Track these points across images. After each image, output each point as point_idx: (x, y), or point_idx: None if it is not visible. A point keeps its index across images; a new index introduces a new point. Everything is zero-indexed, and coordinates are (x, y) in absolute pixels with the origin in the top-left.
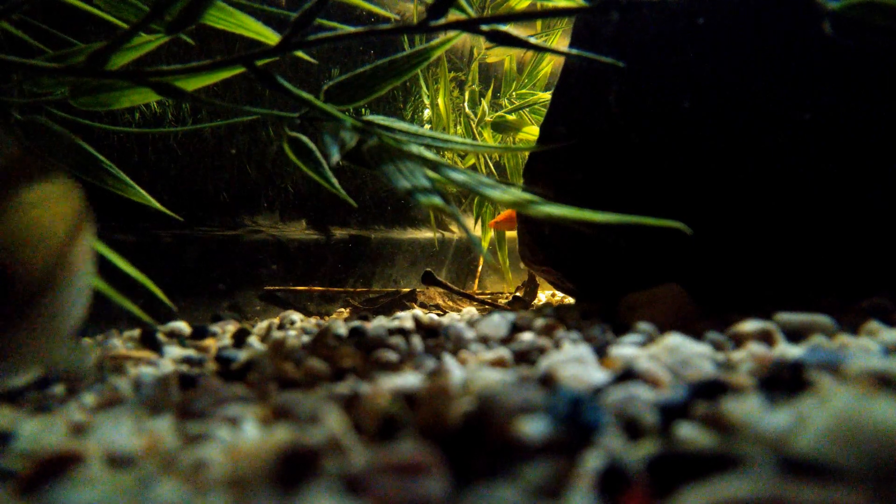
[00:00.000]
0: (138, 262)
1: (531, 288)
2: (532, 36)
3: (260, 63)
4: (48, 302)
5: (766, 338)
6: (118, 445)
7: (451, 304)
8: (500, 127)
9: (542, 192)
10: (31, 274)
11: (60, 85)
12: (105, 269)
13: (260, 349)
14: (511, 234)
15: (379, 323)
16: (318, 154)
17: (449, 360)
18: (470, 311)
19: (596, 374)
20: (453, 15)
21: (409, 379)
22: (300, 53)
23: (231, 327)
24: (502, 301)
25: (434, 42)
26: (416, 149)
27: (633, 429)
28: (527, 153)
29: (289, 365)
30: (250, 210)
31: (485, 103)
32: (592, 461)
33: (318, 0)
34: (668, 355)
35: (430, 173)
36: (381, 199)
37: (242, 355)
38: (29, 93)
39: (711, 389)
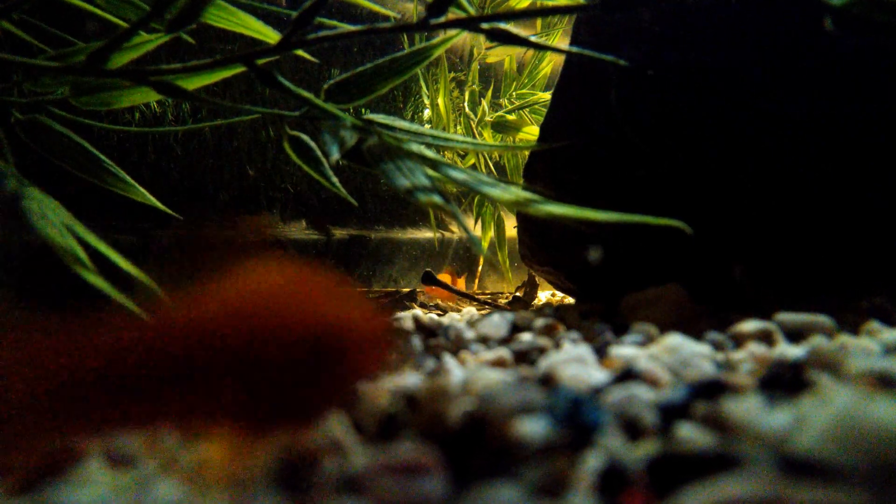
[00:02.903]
0: (138, 262)
1: (531, 288)
2: (532, 35)
3: (260, 62)
4: None
5: (766, 338)
6: (118, 445)
7: (451, 304)
8: (500, 127)
9: (542, 191)
10: None
11: (61, 84)
12: (105, 268)
13: None
14: (511, 233)
15: None
16: (319, 153)
17: (449, 360)
18: (470, 311)
19: (596, 374)
20: (453, 14)
21: (409, 379)
22: (301, 52)
23: None
24: (502, 301)
25: (434, 41)
26: (416, 147)
27: (633, 429)
28: (527, 153)
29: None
30: (250, 210)
31: (485, 103)
32: (592, 461)
33: None
34: (668, 355)
35: (431, 172)
36: (382, 199)
37: None
38: (29, 92)
39: (711, 389)
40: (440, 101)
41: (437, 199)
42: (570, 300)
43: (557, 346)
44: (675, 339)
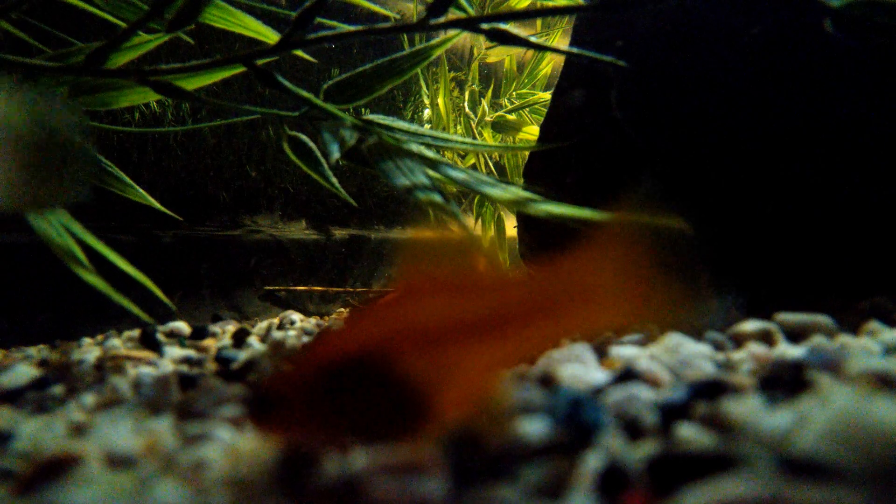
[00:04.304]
0: (138, 262)
1: None
2: (532, 35)
3: (260, 62)
4: None
5: (766, 338)
6: (118, 445)
7: None
8: (500, 127)
9: (542, 191)
10: None
11: (60, 84)
12: (105, 268)
13: (260, 349)
14: (511, 233)
15: None
16: (318, 153)
17: None
18: None
19: (596, 374)
20: (453, 14)
21: None
22: (300, 52)
23: (231, 327)
24: None
25: (434, 41)
26: (415, 147)
27: (633, 429)
28: (527, 153)
29: (289, 365)
30: (250, 210)
31: (485, 103)
32: (592, 461)
33: None
34: (668, 355)
35: (430, 172)
36: (382, 199)
37: (242, 355)
38: None
39: (711, 389)
40: (440, 101)
41: (436, 198)
42: None
43: (557, 345)
44: (675, 339)
